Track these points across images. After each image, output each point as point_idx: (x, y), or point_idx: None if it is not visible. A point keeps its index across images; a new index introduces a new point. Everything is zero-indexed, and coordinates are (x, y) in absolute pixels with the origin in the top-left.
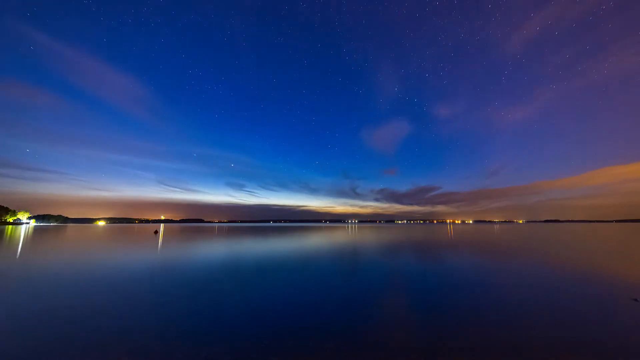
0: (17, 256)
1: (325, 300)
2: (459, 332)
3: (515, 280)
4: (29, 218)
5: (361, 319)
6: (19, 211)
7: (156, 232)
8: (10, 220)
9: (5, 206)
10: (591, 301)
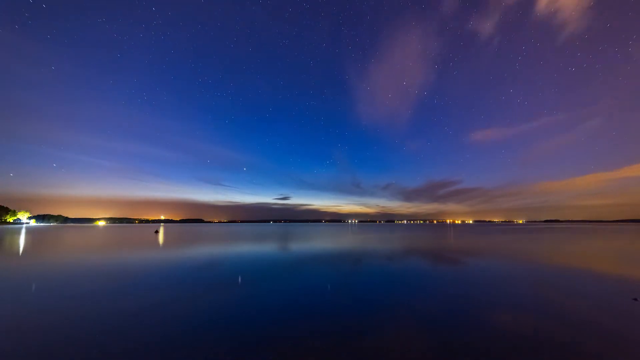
0: (18, 257)
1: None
2: (460, 332)
3: (514, 281)
4: (29, 218)
5: (353, 318)
6: (19, 211)
7: (157, 232)
8: (10, 220)
9: (5, 206)
10: (591, 301)
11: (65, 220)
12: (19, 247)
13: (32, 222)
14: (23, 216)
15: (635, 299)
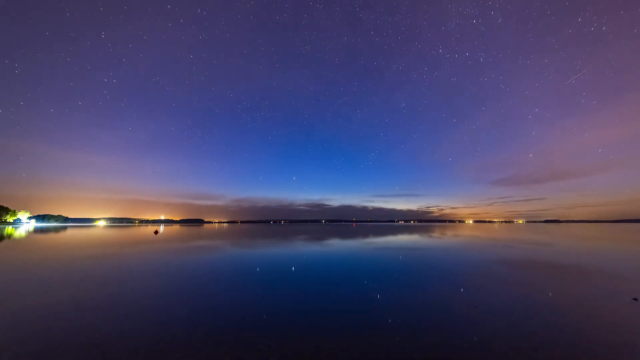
0: (20, 256)
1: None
2: (460, 331)
3: (514, 280)
4: (29, 218)
5: (350, 314)
6: (19, 211)
7: (156, 232)
8: (10, 220)
9: (5, 206)
10: (591, 301)
11: (65, 220)
12: (20, 248)
13: (33, 222)
14: (23, 216)
15: (635, 299)
